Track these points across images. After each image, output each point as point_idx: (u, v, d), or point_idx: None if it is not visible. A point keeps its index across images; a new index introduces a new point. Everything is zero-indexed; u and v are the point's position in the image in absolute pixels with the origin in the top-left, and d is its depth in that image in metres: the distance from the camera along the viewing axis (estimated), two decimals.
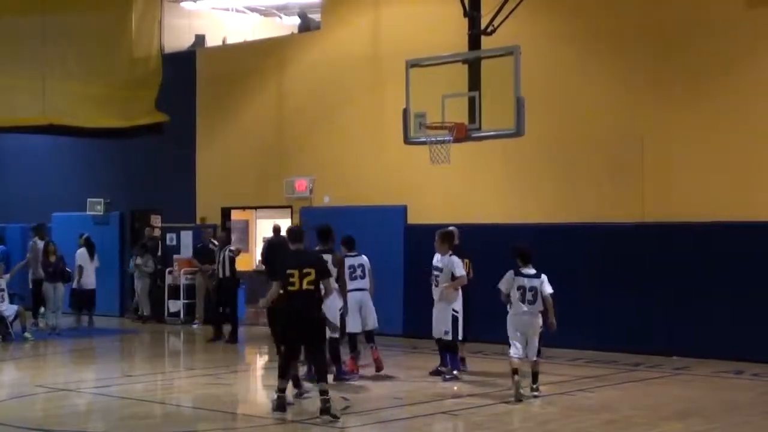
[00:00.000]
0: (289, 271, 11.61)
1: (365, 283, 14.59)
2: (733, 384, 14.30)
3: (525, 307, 12.77)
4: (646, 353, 16.53)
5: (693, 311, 16.47)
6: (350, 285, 14.31)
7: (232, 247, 20.10)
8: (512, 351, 12.74)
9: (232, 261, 19.64)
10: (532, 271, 12.88)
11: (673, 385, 14.23)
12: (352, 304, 14.27)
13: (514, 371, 12.70)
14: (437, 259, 14.18)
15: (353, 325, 14.43)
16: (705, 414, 11.91)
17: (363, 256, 14.71)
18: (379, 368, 14.60)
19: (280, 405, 11.76)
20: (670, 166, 17.05)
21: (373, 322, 14.74)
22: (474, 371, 14.86)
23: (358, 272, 14.53)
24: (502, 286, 12.82)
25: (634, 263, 17.11)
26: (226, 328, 19.56)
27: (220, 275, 19.73)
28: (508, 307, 12.90)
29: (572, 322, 17.39)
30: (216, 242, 20.72)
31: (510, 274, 12.82)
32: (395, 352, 17.28)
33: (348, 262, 14.44)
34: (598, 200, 17.66)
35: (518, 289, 12.78)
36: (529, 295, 12.77)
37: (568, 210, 17.94)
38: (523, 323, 12.81)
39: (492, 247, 17.10)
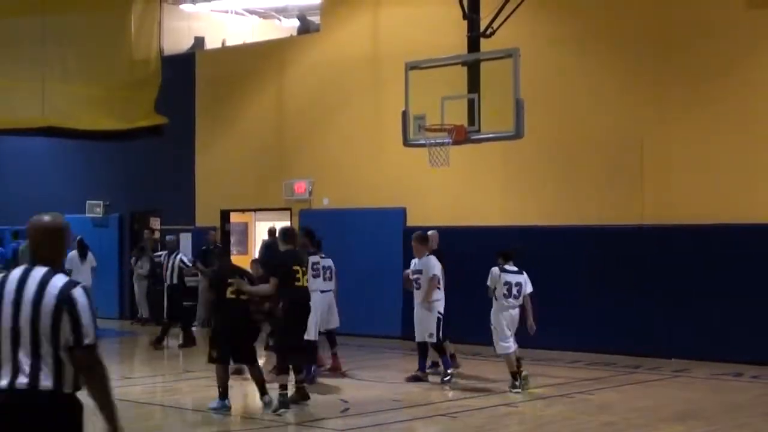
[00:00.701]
0: (294, 268, 12.18)
1: (332, 284, 15.02)
2: (732, 386, 14.30)
3: (511, 302, 13.39)
4: (646, 355, 16.52)
5: (692, 313, 16.47)
6: (320, 287, 14.64)
7: (186, 260, 19.64)
8: (509, 345, 13.37)
9: (181, 270, 19.33)
10: (515, 268, 13.52)
11: (673, 387, 14.23)
12: (323, 306, 14.61)
13: (514, 375, 13.33)
14: (415, 263, 14.32)
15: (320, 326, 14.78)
16: (705, 416, 11.91)
17: (329, 258, 15.09)
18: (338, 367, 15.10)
19: (284, 402, 11.92)
20: (670, 168, 17.05)
21: (336, 322, 15.17)
22: (472, 374, 14.85)
23: (327, 274, 14.89)
24: (489, 282, 13.49)
25: (633, 265, 17.10)
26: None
27: (167, 281, 19.39)
28: (493, 301, 13.48)
29: (572, 323, 17.44)
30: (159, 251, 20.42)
31: (495, 270, 13.48)
32: (394, 354, 17.29)
33: (318, 262, 14.81)
34: (597, 202, 17.65)
35: (505, 284, 13.41)
36: (514, 291, 13.41)
37: (567, 212, 17.94)
38: (511, 317, 13.43)
39: (491, 250, 17.10)
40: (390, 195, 20.04)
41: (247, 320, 12.32)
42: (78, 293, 4.93)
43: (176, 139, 22.99)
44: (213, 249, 21.86)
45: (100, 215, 24.96)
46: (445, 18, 17.75)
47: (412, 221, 19.74)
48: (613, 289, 17.20)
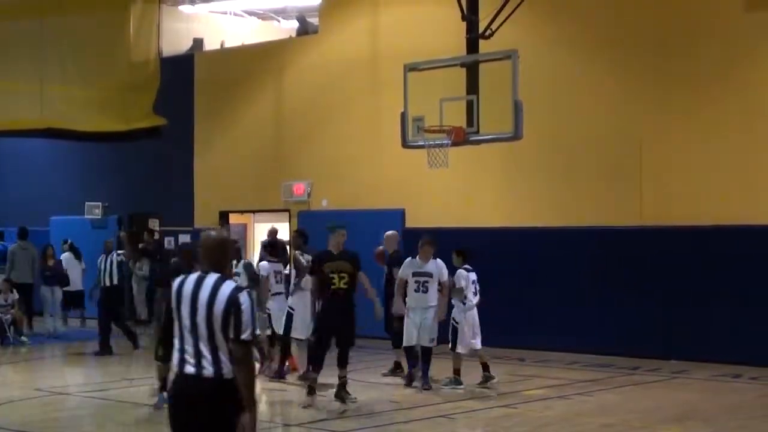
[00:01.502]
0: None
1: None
2: (731, 387, 14.30)
3: (478, 299, 13.80)
4: (645, 357, 16.51)
5: (691, 315, 16.46)
6: (277, 289, 15.05)
7: (120, 251, 18.70)
8: (462, 346, 13.73)
9: (120, 265, 18.39)
10: (470, 267, 13.89)
11: (672, 388, 14.24)
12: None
13: (458, 371, 13.85)
14: (420, 265, 13.82)
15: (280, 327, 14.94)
16: (703, 417, 11.92)
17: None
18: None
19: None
20: (669, 170, 17.05)
21: None
22: (471, 376, 14.83)
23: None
24: (462, 283, 13.61)
25: (632, 267, 17.10)
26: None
27: (106, 283, 18.19)
28: (463, 303, 13.68)
29: (570, 325, 17.44)
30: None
31: (463, 272, 13.73)
32: (392, 356, 17.26)
33: (274, 267, 15.11)
34: (596, 203, 17.65)
35: (472, 283, 13.74)
36: (478, 288, 13.85)
37: (566, 213, 17.93)
38: (475, 315, 13.79)
39: (490, 252, 17.11)
40: (389, 196, 20.03)
41: None
42: (243, 298, 5.99)
43: (175, 141, 23.00)
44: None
45: (99, 217, 24.93)
46: (443, 19, 17.75)
47: (411, 222, 19.74)
48: (611, 290, 17.19)
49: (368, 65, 20.54)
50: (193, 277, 6.11)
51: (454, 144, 14.84)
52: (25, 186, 26.99)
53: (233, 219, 24.30)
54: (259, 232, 26.32)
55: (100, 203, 24.97)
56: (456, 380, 13.87)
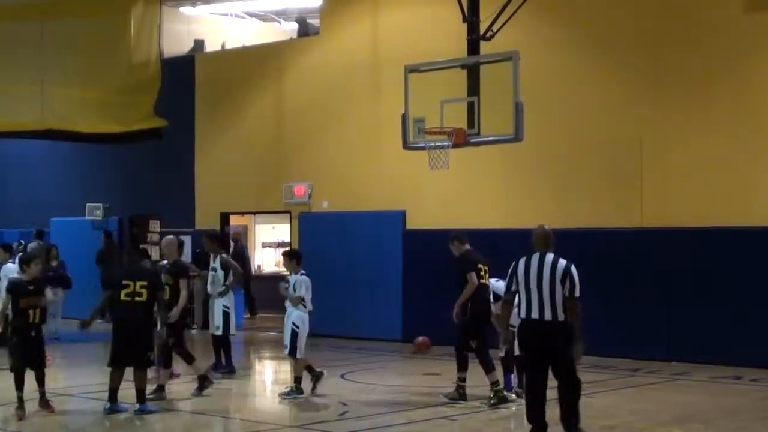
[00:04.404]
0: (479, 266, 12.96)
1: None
2: (731, 389, 14.30)
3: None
4: (645, 359, 16.51)
5: (691, 316, 16.46)
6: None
7: None
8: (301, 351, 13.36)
9: None
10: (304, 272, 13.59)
11: (672, 390, 14.23)
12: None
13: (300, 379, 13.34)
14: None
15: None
16: (704, 419, 11.91)
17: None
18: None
19: (462, 395, 12.66)
20: (669, 172, 17.05)
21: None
22: (471, 377, 14.82)
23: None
24: (303, 290, 13.23)
25: (632, 268, 17.10)
26: None
27: None
28: (300, 306, 13.25)
29: None
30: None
31: (305, 278, 13.38)
32: (393, 357, 17.30)
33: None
34: (596, 205, 17.66)
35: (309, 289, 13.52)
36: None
37: (566, 215, 17.92)
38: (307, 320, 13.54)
39: (490, 253, 17.07)
40: (389, 198, 20.04)
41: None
42: (573, 269, 9.54)
43: (176, 142, 23.02)
44: (200, 252, 22.03)
45: (100, 218, 24.96)
46: (444, 21, 17.77)
47: (411, 224, 19.76)
48: (611, 292, 17.18)
49: (369, 67, 20.55)
50: (536, 255, 9.59)
51: (455, 145, 14.82)
52: (26, 187, 27.02)
53: (234, 220, 24.34)
54: (260, 233, 26.40)
55: (100, 204, 25.01)
56: (298, 389, 13.17)
